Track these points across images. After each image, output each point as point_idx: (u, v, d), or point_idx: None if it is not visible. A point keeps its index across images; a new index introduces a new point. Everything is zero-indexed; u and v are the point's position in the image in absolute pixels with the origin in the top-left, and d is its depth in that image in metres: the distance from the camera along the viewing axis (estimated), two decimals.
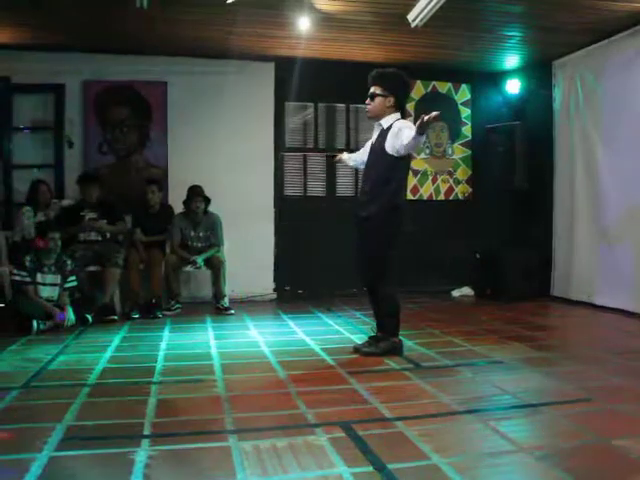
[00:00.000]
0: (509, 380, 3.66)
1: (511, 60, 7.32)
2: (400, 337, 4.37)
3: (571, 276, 6.99)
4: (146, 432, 2.75)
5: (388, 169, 4.16)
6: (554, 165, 7.31)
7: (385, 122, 4.22)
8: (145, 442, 2.61)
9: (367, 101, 4.29)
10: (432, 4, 5.09)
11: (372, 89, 4.27)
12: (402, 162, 4.18)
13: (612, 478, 2.30)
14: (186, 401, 3.27)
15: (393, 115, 4.23)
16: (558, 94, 7.23)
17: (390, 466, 2.35)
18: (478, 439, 2.74)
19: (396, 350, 4.28)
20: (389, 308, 4.31)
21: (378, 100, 4.22)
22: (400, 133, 4.01)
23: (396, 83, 4.28)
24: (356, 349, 4.38)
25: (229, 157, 7.04)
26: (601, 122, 6.51)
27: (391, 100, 4.21)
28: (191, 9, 5.48)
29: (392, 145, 4.08)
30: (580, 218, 6.84)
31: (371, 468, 2.34)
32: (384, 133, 4.18)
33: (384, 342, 4.28)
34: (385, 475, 2.28)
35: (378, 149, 4.22)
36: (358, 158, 4.71)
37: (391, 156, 4.11)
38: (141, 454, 2.47)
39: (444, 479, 2.26)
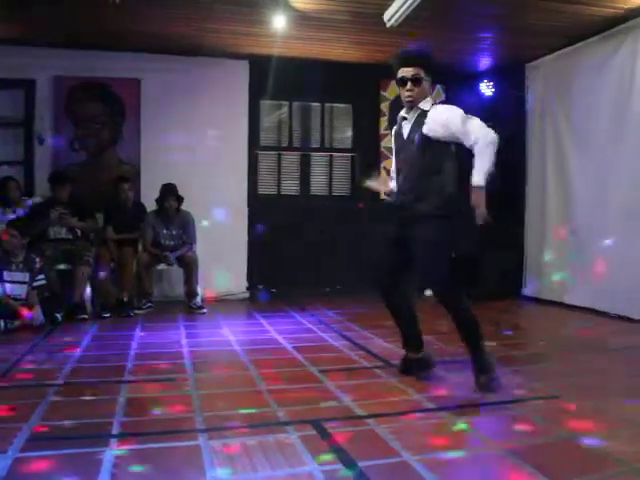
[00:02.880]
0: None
1: (485, 62, 7.38)
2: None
3: (542, 276, 7.07)
4: (114, 431, 2.71)
5: (435, 156, 3.50)
6: (526, 166, 7.39)
7: (424, 104, 3.54)
8: (113, 442, 2.57)
9: (408, 86, 3.50)
10: (407, 4, 5.12)
11: (415, 72, 3.50)
12: (451, 146, 3.53)
13: (578, 473, 2.32)
14: (156, 400, 3.23)
15: (428, 99, 3.59)
16: (531, 96, 7.31)
17: (361, 464, 2.34)
18: (449, 436, 2.74)
19: (497, 382, 3.42)
20: (472, 330, 3.52)
21: (424, 86, 3.53)
22: (464, 125, 3.38)
23: (435, 63, 3.67)
24: (481, 390, 3.39)
25: (202, 155, 7.00)
26: (572, 124, 6.59)
27: (429, 83, 3.59)
28: (165, 5, 5.43)
29: (433, 129, 3.44)
30: (551, 218, 6.92)
31: (342, 466, 2.33)
32: (423, 118, 3.50)
33: (487, 363, 3.46)
34: (356, 472, 2.27)
35: (416, 137, 3.52)
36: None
37: (437, 141, 3.46)
38: (109, 454, 2.43)
39: (414, 476, 2.26)
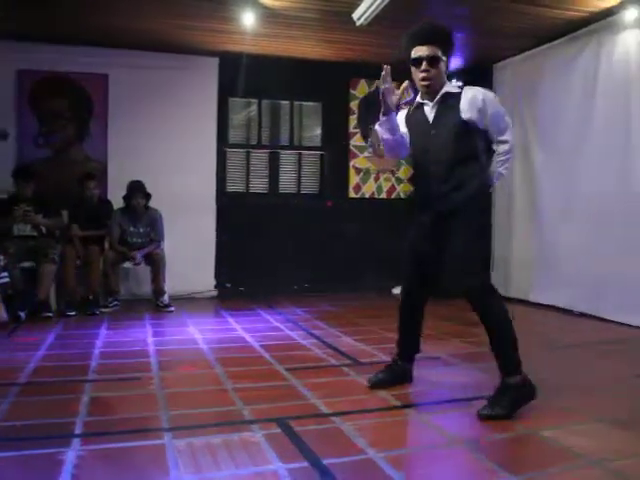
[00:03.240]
0: (445, 375, 3.74)
1: (453, 62, 7.43)
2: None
3: (509, 274, 7.16)
4: (77, 431, 2.67)
5: (472, 141, 3.19)
6: None
7: (449, 88, 3.24)
8: (76, 442, 2.54)
9: (424, 66, 3.12)
10: (376, 4, 5.13)
11: (432, 51, 3.13)
12: (482, 130, 3.21)
13: (539, 467, 2.36)
14: (120, 399, 3.20)
15: (448, 83, 3.27)
16: (498, 96, 7.37)
17: (325, 461, 2.35)
18: (414, 433, 2.79)
19: (529, 393, 3.04)
20: (504, 330, 3.11)
21: (441, 67, 3.17)
22: (494, 113, 3.16)
23: (453, 41, 3.30)
24: (481, 416, 2.94)
25: (171, 152, 6.94)
26: (539, 123, 6.69)
27: (446, 64, 3.24)
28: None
29: (471, 113, 3.12)
30: (517, 217, 7.01)
31: (306, 463, 2.33)
32: (453, 99, 3.17)
33: (507, 395, 2.99)
34: (320, 470, 2.28)
35: (449, 121, 3.17)
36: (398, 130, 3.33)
37: (473, 124, 3.14)
38: (70, 454, 2.40)
39: (379, 473, 2.27)
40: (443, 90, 3.21)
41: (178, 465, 2.31)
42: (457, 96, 3.18)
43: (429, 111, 3.26)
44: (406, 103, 3.52)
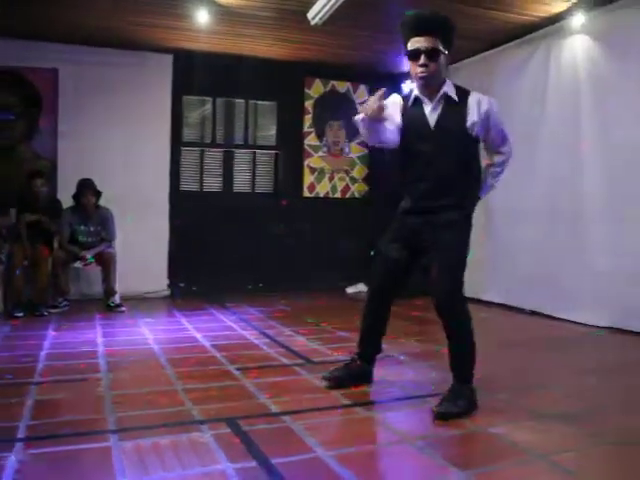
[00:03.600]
0: (398, 373, 3.75)
1: (406, 62, 7.49)
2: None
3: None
4: (20, 435, 2.61)
5: (472, 151, 3.10)
6: None
7: (450, 89, 3.06)
8: (18, 446, 2.48)
9: (422, 60, 2.93)
10: (330, 3, 5.14)
11: (431, 43, 2.92)
12: (478, 142, 3.13)
13: (486, 462, 2.40)
14: (67, 401, 3.14)
15: (448, 80, 3.10)
16: None
17: (274, 460, 2.34)
18: (364, 431, 2.79)
19: (474, 405, 3.03)
20: (468, 340, 3.10)
21: (441, 60, 2.98)
22: (497, 125, 3.09)
23: (453, 32, 3.04)
24: (437, 414, 2.91)
25: (123, 150, 6.83)
26: None
27: (447, 58, 3.04)
28: None
29: (475, 123, 3.02)
30: None
31: (254, 463, 2.32)
32: (457, 107, 3.04)
33: (465, 395, 3.00)
34: (268, 469, 2.27)
35: (453, 128, 3.03)
36: (383, 129, 3.11)
37: (469, 136, 3.03)
38: (12, 459, 2.34)
39: (327, 471, 2.27)
40: (443, 90, 3.04)
41: (124, 467, 2.28)
42: (463, 101, 3.03)
43: (429, 112, 3.07)
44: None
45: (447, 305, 3.04)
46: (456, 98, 3.04)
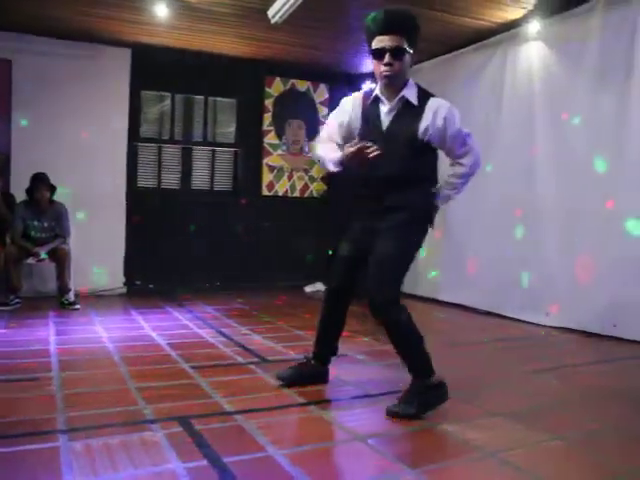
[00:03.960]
0: (352, 372, 3.77)
1: (368, 63, 7.54)
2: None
3: (418, 274, 7.32)
4: None
5: (424, 159, 3.04)
6: None
7: (410, 93, 2.99)
8: None
9: (387, 59, 2.88)
10: (291, 2, 5.15)
11: (396, 41, 2.87)
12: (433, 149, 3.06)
13: (437, 460, 2.44)
14: (15, 401, 3.06)
15: (410, 83, 3.02)
16: None
17: (225, 459, 2.34)
18: (316, 430, 2.80)
19: (439, 399, 3.03)
20: (406, 335, 3.08)
21: (406, 60, 2.94)
22: (454, 134, 2.99)
23: (418, 31, 2.99)
24: (389, 413, 2.96)
25: (79, 145, 6.73)
26: None
27: (411, 58, 2.99)
28: None
29: (429, 130, 2.95)
30: None
31: (205, 462, 2.31)
32: (413, 111, 2.96)
33: (418, 395, 2.97)
34: (219, 468, 2.26)
35: (405, 134, 2.97)
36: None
37: (429, 141, 2.98)
38: None
39: (277, 470, 2.28)
40: (403, 92, 2.98)
41: (73, 468, 2.24)
42: (422, 105, 2.96)
43: (385, 114, 3.04)
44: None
45: (378, 305, 2.99)
46: (415, 102, 2.98)
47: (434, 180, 3.15)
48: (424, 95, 3.01)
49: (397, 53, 2.88)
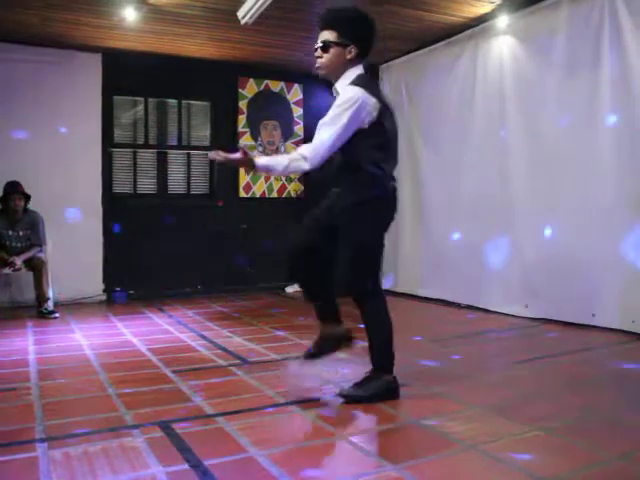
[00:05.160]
0: (335, 370, 3.77)
1: None
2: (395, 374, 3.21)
3: (397, 270, 7.36)
4: None
5: (347, 150, 3.01)
6: None
7: (342, 83, 3.06)
8: None
9: (317, 52, 3.06)
10: (260, 2, 5.13)
11: (323, 37, 3.04)
12: (366, 137, 2.99)
13: (418, 455, 2.44)
14: None
15: (350, 74, 3.06)
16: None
17: (206, 462, 2.33)
18: (298, 430, 2.80)
19: (390, 394, 3.14)
20: (377, 328, 3.17)
21: (334, 52, 3.03)
22: (330, 114, 2.95)
23: (361, 26, 3.07)
24: (341, 394, 3.16)
25: (52, 151, 6.64)
26: (422, 123, 6.93)
27: (353, 51, 3.03)
28: None
29: None
30: (404, 213, 7.19)
31: (187, 466, 2.30)
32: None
33: (374, 382, 3.13)
34: (200, 471, 2.25)
35: None
36: None
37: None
38: None
39: (259, 470, 2.27)
40: (336, 84, 3.07)
41: (51, 476, 2.22)
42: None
43: (330, 104, 3.06)
44: None
45: (356, 299, 3.10)
46: (340, 91, 3.03)
47: (364, 164, 3.01)
48: (350, 83, 3.03)
49: (324, 47, 3.03)
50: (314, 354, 3.31)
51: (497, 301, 5.89)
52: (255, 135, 7.76)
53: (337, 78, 3.09)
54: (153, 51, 6.94)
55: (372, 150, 3.02)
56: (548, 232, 5.40)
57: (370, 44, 3.11)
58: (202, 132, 7.68)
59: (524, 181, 5.61)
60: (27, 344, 4.68)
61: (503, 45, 5.82)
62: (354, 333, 3.36)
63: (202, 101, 7.65)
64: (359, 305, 3.12)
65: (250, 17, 5.41)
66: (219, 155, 2.99)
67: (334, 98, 3.08)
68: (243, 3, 5.33)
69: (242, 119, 7.70)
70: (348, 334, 3.33)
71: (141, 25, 5.90)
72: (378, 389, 3.10)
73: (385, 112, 3.05)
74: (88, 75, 6.87)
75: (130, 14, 5.51)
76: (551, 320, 5.32)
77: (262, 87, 7.81)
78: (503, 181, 5.83)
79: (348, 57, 3.04)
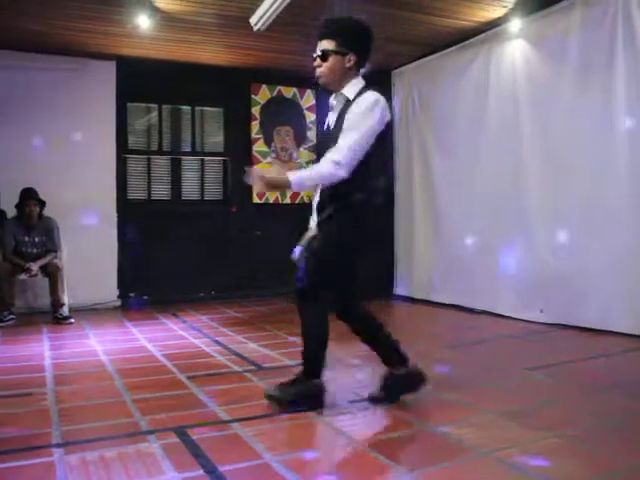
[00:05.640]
0: (348, 376, 3.78)
1: None
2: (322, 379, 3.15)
3: (412, 275, 7.35)
4: None
5: None
6: (394, 170, 7.66)
7: (350, 90, 3.05)
8: None
9: (317, 61, 3.07)
10: (272, 9, 5.16)
11: (322, 46, 3.05)
12: (371, 152, 2.98)
13: (432, 462, 2.43)
14: (10, 417, 3.05)
15: (356, 81, 3.08)
16: (397, 102, 7.59)
17: (222, 468, 2.33)
18: (313, 436, 2.80)
19: (315, 399, 3.10)
20: (307, 335, 3.16)
21: (333, 60, 3.03)
22: (355, 119, 2.93)
23: (360, 35, 3.09)
24: (265, 393, 3.18)
25: (67, 158, 6.71)
26: (435, 129, 6.92)
27: (352, 59, 3.03)
28: None
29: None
30: (418, 220, 7.21)
31: (202, 471, 2.31)
32: (347, 107, 3.02)
33: (296, 385, 3.10)
34: (215, 477, 2.25)
35: (335, 128, 3.05)
36: None
37: None
38: None
39: (274, 476, 2.28)
40: (343, 90, 3.07)
41: None
42: (354, 99, 3.01)
43: (332, 115, 3.14)
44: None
45: (299, 300, 3.12)
46: (351, 96, 3.04)
47: (364, 175, 2.99)
48: (363, 90, 3.05)
49: (322, 55, 3.04)
50: (380, 398, 3.24)
51: (512, 306, 5.86)
52: (268, 141, 7.78)
53: (337, 87, 3.10)
54: (166, 58, 6.98)
55: (369, 163, 3.01)
56: (563, 236, 5.37)
57: (368, 52, 3.13)
58: (216, 138, 7.72)
59: (538, 185, 5.59)
60: (43, 349, 4.72)
61: (516, 49, 5.80)
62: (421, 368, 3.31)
63: (215, 107, 7.69)
64: (300, 305, 3.11)
65: (263, 24, 5.45)
66: (255, 175, 2.93)
67: (331, 108, 3.14)
68: (256, 10, 5.37)
69: (255, 125, 7.73)
70: (419, 373, 3.26)
71: (155, 33, 5.94)
72: (302, 392, 3.07)
73: (388, 128, 3.08)
74: (102, 82, 6.94)
75: (144, 22, 5.55)
76: (566, 325, 5.29)
77: (275, 93, 7.83)
78: (517, 186, 5.81)
79: (347, 65, 3.05)
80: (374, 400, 3.23)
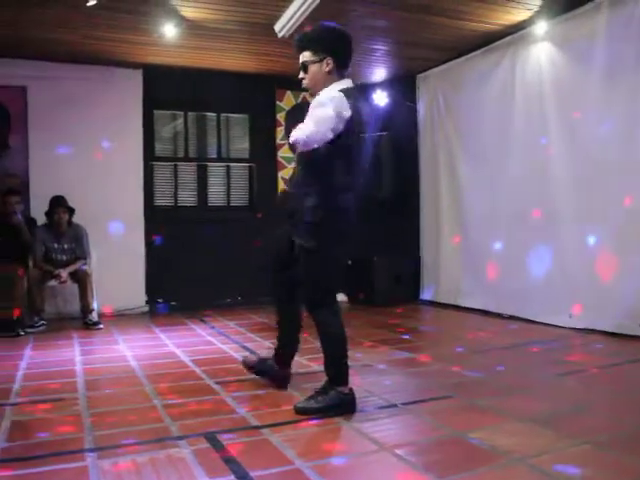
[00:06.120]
0: (376, 382, 3.77)
1: (377, 73, 7.56)
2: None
3: (438, 280, 7.32)
4: None
5: (313, 152, 3.05)
6: (420, 174, 7.64)
7: (322, 92, 3.14)
8: None
9: (301, 75, 3.20)
10: (297, 16, 5.20)
11: (301, 58, 3.18)
12: (332, 151, 3.03)
13: (463, 468, 2.41)
14: (43, 422, 3.10)
15: (337, 84, 3.14)
16: (422, 106, 7.57)
17: (252, 473, 2.34)
18: (343, 441, 2.80)
19: (344, 406, 3.13)
20: (327, 343, 3.25)
21: (313, 69, 3.14)
22: (309, 112, 3.04)
23: (331, 38, 3.17)
24: (294, 407, 3.17)
25: (95, 166, 6.81)
26: (460, 133, 6.89)
27: (330, 62, 3.12)
28: (47, 10, 5.21)
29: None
30: (444, 224, 7.18)
31: (233, 477, 2.32)
32: None
33: (327, 394, 3.14)
34: None
35: None
36: None
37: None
38: None
39: None
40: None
41: None
42: None
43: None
44: None
45: (308, 311, 3.29)
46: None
47: (330, 180, 3.10)
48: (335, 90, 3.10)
49: (303, 67, 3.19)
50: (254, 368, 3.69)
51: (540, 311, 5.80)
52: (293, 148, 7.80)
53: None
54: (192, 65, 7.06)
55: (332, 163, 3.08)
56: (592, 241, 5.30)
57: (346, 53, 3.20)
58: (241, 145, 7.77)
59: (566, 189, 5.53)
60: (74, 355, 4.77)
61: (541, 52, 5.76)
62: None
63: (240, 114, 7.74)
64: (312, 317, 3.26)
65: (287, 30, 5.48)
66: None
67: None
68: (280, 17, 5.40)
69: (280, 131, 7.76)
70: (285, 377, 3.65)
71: (180, 41, 6.01)
72: (330, 401, 3.11)
73: (351, 126, 3.05)
74: (129, 90, 7.04)
75: (170, 31, 5.62)
76: (595, 330, 5.22)
77: (299, 99, 7.86)
78: (545, 189, 5.76)
79: (326, 69, 3.14)
80: (245, 364, 3.74)
